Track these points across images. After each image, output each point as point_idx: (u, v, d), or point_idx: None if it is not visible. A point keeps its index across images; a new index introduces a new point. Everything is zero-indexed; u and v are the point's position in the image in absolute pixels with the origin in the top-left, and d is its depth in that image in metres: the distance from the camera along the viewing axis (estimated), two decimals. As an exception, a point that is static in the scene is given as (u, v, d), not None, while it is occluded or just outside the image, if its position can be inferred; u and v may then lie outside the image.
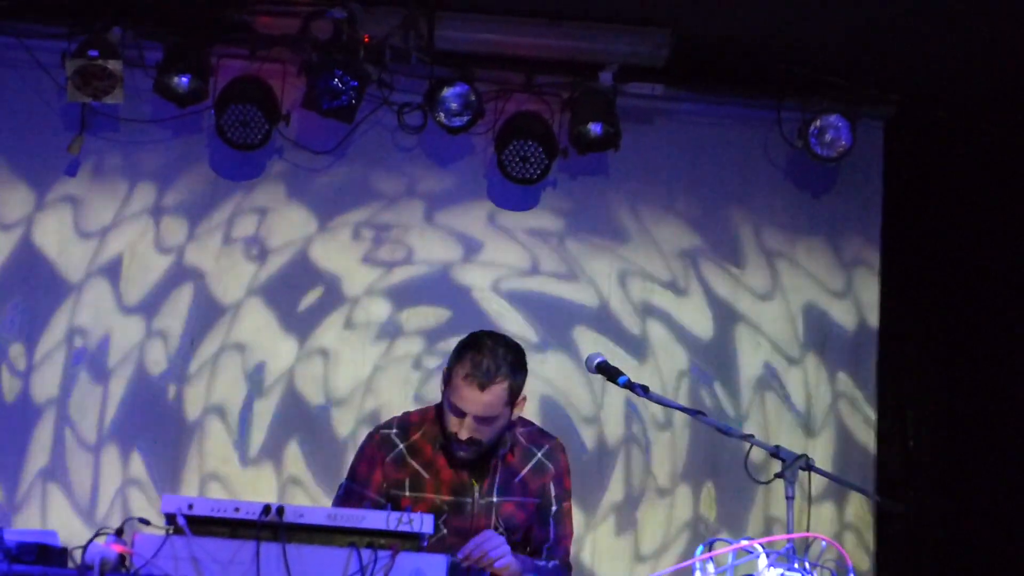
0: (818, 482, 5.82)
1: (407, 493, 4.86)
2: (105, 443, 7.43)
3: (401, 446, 4.93)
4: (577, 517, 7.38)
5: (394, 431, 4.98)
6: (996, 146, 7.80)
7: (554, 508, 4.95)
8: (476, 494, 4.88)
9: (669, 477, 7.72)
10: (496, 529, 4.84)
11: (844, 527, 7.72)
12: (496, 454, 4.90)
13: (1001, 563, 7.62)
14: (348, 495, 4.94)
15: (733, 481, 7.54)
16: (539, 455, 4.97)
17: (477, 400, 4.73)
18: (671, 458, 7.73)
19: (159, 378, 7.50)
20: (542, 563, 4.82)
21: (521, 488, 4.92)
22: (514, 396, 4.85)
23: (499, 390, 4.75)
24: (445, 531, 4.81)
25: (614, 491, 7.69)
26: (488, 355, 4.76)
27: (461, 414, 4.77)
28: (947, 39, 7.14)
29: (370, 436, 5.03)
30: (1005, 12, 6.79)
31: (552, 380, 7.66)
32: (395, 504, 4.73)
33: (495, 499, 4.89)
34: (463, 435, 4.78)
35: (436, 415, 4.95)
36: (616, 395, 7.55)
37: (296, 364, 7.59)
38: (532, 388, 7.34)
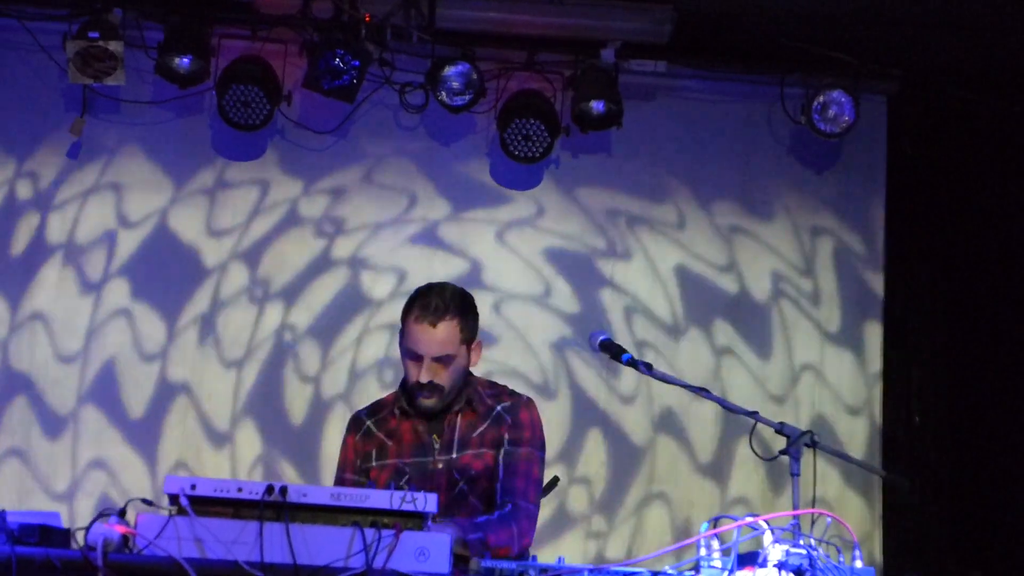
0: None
1: (373, 463, 4.96)
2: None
3: (368, 422, 5.04)
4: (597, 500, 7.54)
5: (364, 411, 5.12)
6: (999, 121, 7.78)
7: (504, 449, 4.92)
8: (436, 451, 4.91)
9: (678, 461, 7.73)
10: (455, 483, 4.87)
11: (851, 503, 7.72)
12: (453, 409, 4.94)
13: (1009, 537, 7.61)
14: (336, 482, 5.06)
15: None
16: (498, 408, 4.99)
17: (431, 338, 4.83)
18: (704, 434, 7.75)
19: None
20: (482, 518, 4.74)
21: (479, 440, 4.94)
22: (468, 336, 4.92)
23: (450, 326, 4.85)
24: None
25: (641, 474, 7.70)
26: (436, 296, 4.89)
27: (418, 357, 4.85)
28: (950, 14, 7.12)
29: (348, 422, 5.14)
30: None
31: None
32: (366, 476, 4.92)
33: (454, 455, 4.92)
34: (424, 378, 4.85)
35: (400, 387, 5.03)
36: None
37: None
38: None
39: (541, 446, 5.00)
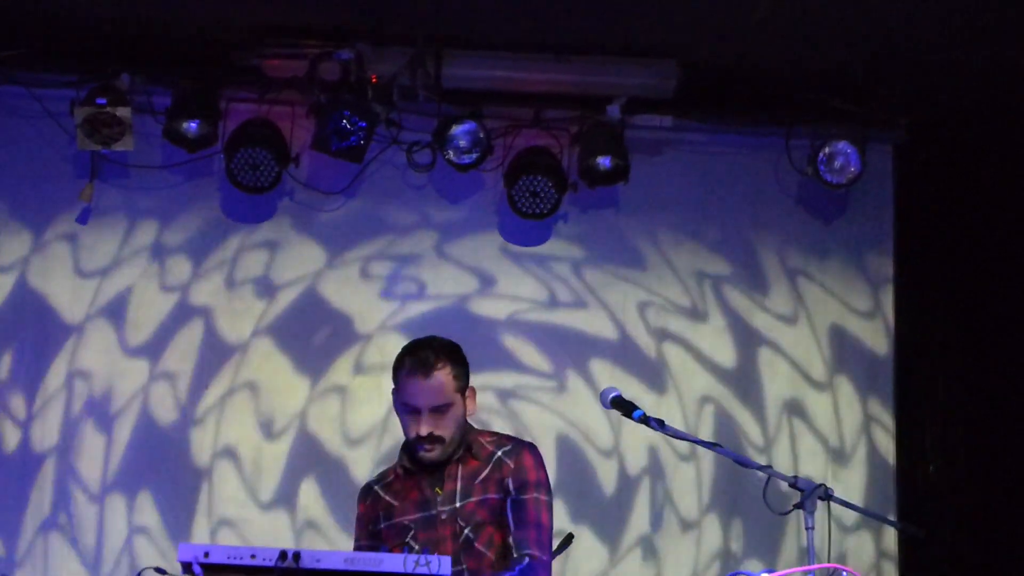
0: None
1: (382, 525, 5.00)
2: (109, 492, 7.42)
3: (376, 488, 5.10)
4: (600, 552, 7.49)
5: (373, 479, 5.20)
6: (1007, 168, 7.78)
7: (512, 498, 4.92)
8: (439, 504, 4.93)
9: (695, 509, 7.69)
10: (461, 531, 4.87)
11: (877, 555, 7.69)
12: (453, 459, 4.96)
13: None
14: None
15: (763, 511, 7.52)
16: (499, 454, 4.99)
17: (426, 388, 4.88)
18: (695, 489, 7.70)
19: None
20: None
21: (482, 488, 4.95)
22: (462, 385, 4.97)
23: (442, 375, 4.90)
24: (416, 546, 4.87)
25: (637, 524, 7.65)
26: (425, 348, 4.97)
27: (416, 410, 4.90)
28: (954, 62, 7.13)
29: (359, 494, 5.18)
30: (1012, 35, 6.79)
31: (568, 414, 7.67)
32: (379, 539, 4.96)
33: (457, 504, 4.92)
34: (423, 430, 4.88)
35: (402, 448, 5.07)
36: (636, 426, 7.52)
37: (309, 405, 7.59)
38: (548, 423, 7.45)
39: (548, 491, 5.01)
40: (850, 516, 7.41)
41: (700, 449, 7.54)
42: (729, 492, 7.66)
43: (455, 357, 4.98)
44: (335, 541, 7.32)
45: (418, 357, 4.91)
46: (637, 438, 7.64)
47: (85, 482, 7.40)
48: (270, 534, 7.36)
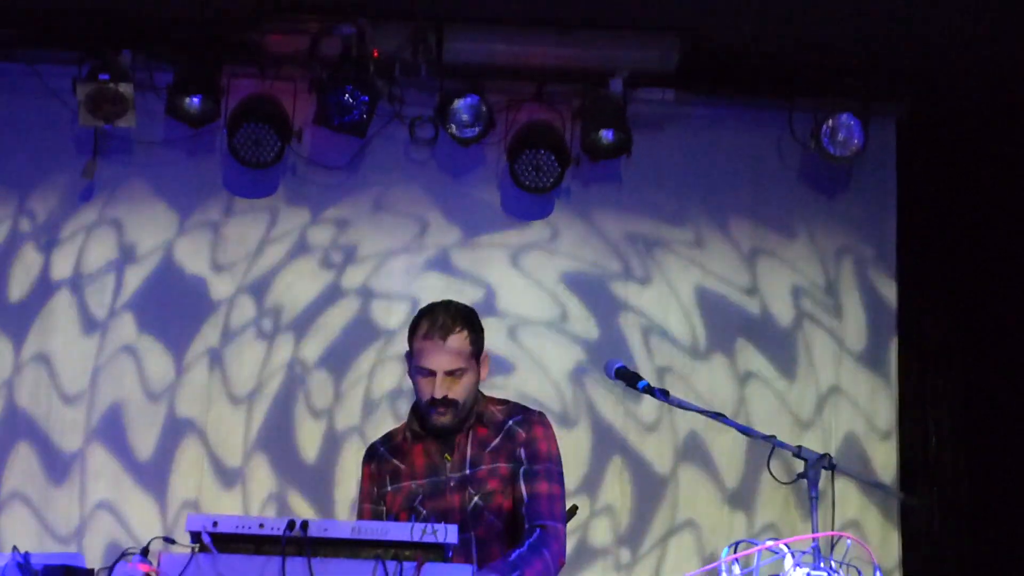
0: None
1: (388, 488, 4.98)
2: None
3: (382, 450, 5.08)
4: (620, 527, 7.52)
5: (378, 441, 5.16)
6: (1009, 142, 7.79)
7: (524, 467, 4.93)
8: (448, 470, 4.93)
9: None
10: (470, 499, 4.88)
11: (871, 525, 7.70)
12: (464, 427, 4.95)
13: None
14: (357, 513, 5.10)
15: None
16: (511, 423, 4.99)
17: (442, 352, 4.86)
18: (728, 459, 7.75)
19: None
20: (515, 554, 4.73)
21: (492, 456, 4.94)
22: (477, 350, 4.95)
23: (460, 339, 4.88)
24: (424, 512, 4.87)
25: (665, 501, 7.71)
26: (442, 312, 4.93)
27: (430, 373, 4.88)
28: (958, 35, 7.14)
29: (364, 454, 5.18)
30: (1016, 11, 6.78)
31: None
32: (383, 502, 4.95)
33: (467, 471, 4.92)
34: (438, 393, 4.86)
35: (411, 410, 5.06)
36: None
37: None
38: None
39: (558, 461, 5.01)
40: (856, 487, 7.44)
41: (707, 423, 7.59)
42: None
43: (472, 322, 4.96)
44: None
45: (436, 320, 4.89)
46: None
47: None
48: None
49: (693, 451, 7.71)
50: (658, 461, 7.70)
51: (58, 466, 7.41)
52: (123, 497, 7.43)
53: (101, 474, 7.43)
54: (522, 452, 4.94)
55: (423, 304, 5.09)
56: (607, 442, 7.68)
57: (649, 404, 7.60)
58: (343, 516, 7.27)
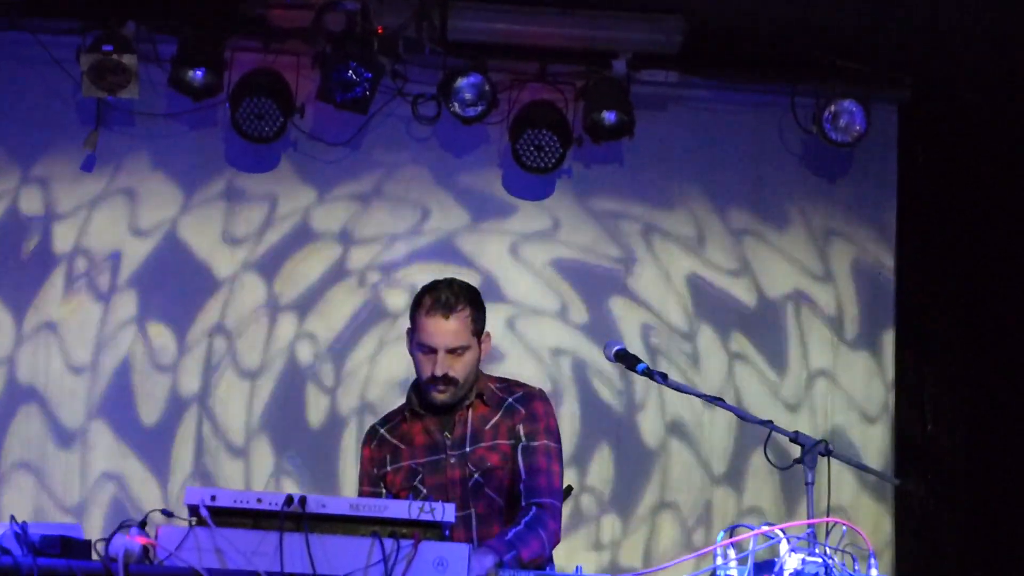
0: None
1: (388, 468, 4.99)
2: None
3: (381, 430, 5.08)
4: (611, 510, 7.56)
5: (378, 421, 5.17)
6: (1010, 128, 7.79)
7: (523, 444, 4.94)
8: (448, 448, 4.94)
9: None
10: (470, 476, 4.90)
11: (866, 511, 7.73)
12: (464, 404, 4.97)
13: (1021, 546, 7.62)
14: (358, 495, 5.11)
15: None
16: (510, 400, 5.01)
17: (444, 329, 4.87)
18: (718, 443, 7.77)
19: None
20: (512, 532, 4.73)
21: (492, 433, 4.96)
22: (478, 328, 4.96)
23: (462, 317, 4.90)
24: (424, 491, 4.89)
25: (653, 482, 7.72)
26: (445, 289, 4.94)
27: (432, 350, 4.88)
28: (960, 21, 7.14)
29: (364, 435, 5.19)
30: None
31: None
32: (383, 482, 4.97)
33: (467, 449, 4.94)
34: (439, 371, 4.87)
35: (411, 389, 5.07)
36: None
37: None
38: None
39: (557, 438, 5.02)
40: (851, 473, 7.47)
41: (696, 405, 7.62)
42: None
43: (475, 300, 4.98)
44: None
45: (439, 297, 4.90)
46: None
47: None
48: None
49: (682, 433, 7.74)
50: (647, 442, 7.74)
51: (63, 437, 7.42)
52: (127, 469, 7.46)
53: (102, 446, 7.45)
54: (521, 429, 4.96)
55: (419, 284, 5.09)
56: (597, 424, 7.72)
57: (640, 386, 7.64)
58: (344, 494, 7.29)
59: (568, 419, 7.56)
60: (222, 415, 7.56)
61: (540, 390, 5.10)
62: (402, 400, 5.12)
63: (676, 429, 7.74)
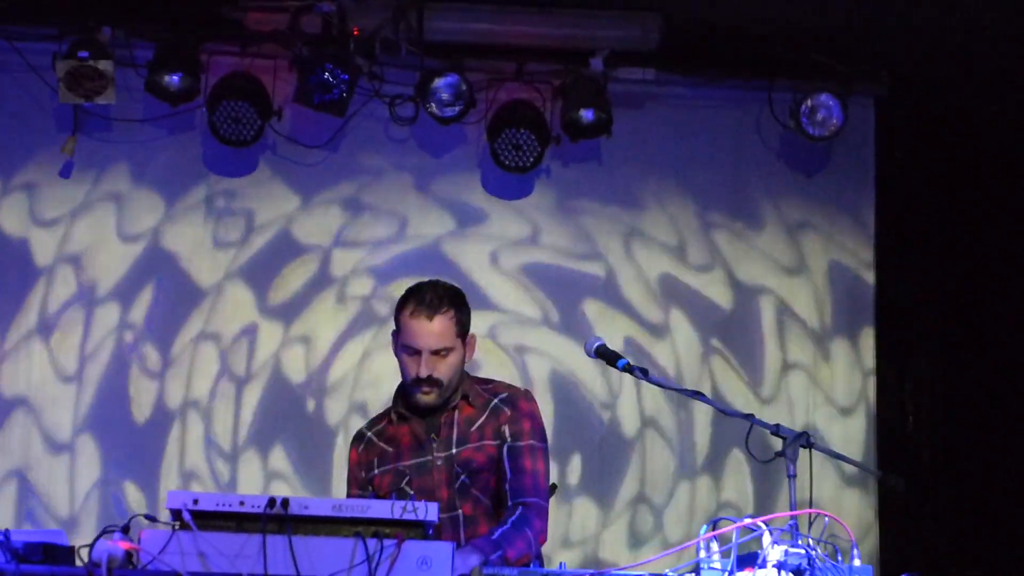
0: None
1: (376, 471, 5.00)
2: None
3: (368, 434, 5.09)
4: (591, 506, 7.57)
5: (365, 425, 5.18)
6: (986, 122, 7.82)
7: (508, 444, 4.95)
8: (435, 449, 4.95)
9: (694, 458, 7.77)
10: (456, 477, 4.91)
11: (848, 502, 7.75)
12: (450, 406, 4.98)
13: (1007, 536, 7.65)
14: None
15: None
16: (496, 400, 5.02)
17: (428, 331, 4.88)
18: (694, 439, 7.78)
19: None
20: (497, 532, 4.74)
21: (478, 434, 4.97)
22: (463, 330, 4.97)
23: (446, 319, 4.90)
24: (412, 492, 4.89)
25: (632, 479, 7.73)
26: (430, 291, 4.95)
27: (416, 352, 4.90)
28: (936, 16, 7.16)
29: (352, 439, 5.19)
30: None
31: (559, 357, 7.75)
32: (370, 485, 4.97)
33: (454, 450, 4.94)
34: (423, 372, 4.88)
35: (397, 391, 5.08)
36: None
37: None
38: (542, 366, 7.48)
39: (543, 437, 5.03)
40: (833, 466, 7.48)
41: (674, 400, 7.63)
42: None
43: (459, 302, 4.98)
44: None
45: (423, 299, 4.91)
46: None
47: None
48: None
49: (659, 429, 7.75)
50: (625, 437, 7.75)
51: (52, 446, 7.43)
52: (115, 477, 7.46)
53: (89, 453, 7.46)
54: (507, 429, 4.96)
55: (401, 288, 5.09)
56: (575, 421, 7.73)
57: (617, 383, 7.66)
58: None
59: (546, 417, 7.54)
60: (209, 422, 7.55)
61: (526, 390, 5.11)
62: (388, 404, 5.13)
63: (653, 424, 7.75)
